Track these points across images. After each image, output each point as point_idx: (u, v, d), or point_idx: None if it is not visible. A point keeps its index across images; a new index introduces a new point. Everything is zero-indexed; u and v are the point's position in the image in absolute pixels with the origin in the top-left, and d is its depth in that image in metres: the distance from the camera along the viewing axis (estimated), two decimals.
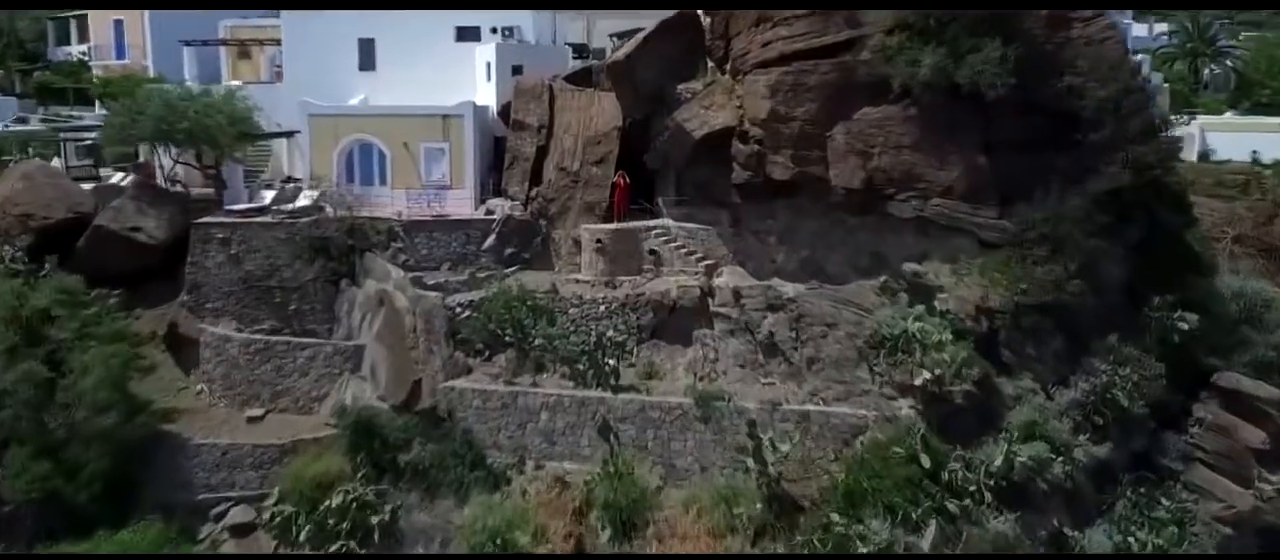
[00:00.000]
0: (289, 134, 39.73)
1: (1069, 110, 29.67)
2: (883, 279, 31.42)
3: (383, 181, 38.22)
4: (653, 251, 34.33)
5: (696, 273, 33.59)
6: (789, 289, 32.10)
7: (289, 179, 39.76)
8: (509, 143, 37.02)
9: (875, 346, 29.58)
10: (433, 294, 33.08)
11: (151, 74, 48.54)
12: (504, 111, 38.36)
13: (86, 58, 60.62)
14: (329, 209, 36.22)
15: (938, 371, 28.02)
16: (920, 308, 29.43)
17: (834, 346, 30.34)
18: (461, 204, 37.09)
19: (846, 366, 29.95)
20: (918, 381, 28.14)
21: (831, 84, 30.81)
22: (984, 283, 29.60)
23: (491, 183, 37.99)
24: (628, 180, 35.08)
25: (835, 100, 30.96)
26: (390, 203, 36.97)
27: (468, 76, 41.58)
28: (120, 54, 55.50)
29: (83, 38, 61.55)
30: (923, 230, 31.35)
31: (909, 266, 30.77)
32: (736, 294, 32.24)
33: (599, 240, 34.16)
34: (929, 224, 31.04)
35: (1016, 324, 29.19)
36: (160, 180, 38.73)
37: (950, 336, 28.62)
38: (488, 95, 40.50)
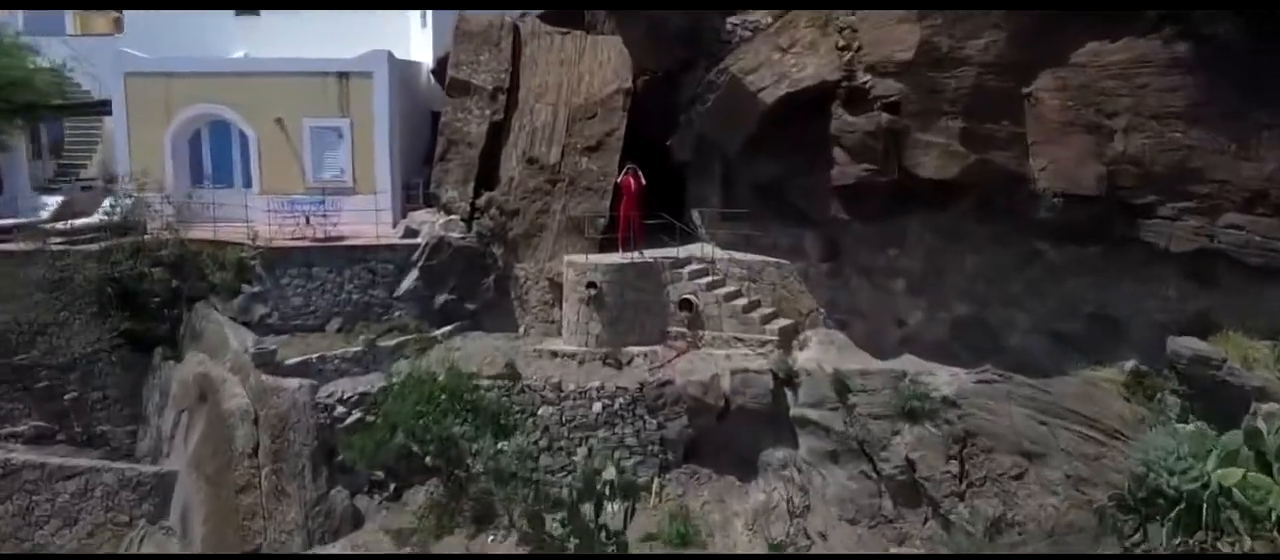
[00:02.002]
0: (96, 107, 25.24)
1: None
2: (1128, 366, 16.82)
3: (247, 182, 23.71)
4: (686, 302, 19.75)
5: (763, 340, 19.06)
6: (940, 377, 17.51)
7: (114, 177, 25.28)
8: (444, 118, 22.41)
9: (1133, 509, 14.89)
10: (294, 381, 18.54)
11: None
12: (443, 69, 23.71)
13: None
14: (154, 227, 21.93)
15: None
16: (1231, 437, 14.72)
17: (1042, 500, 15.71)
18: (370, 219, 22.49)
19: (1075, 544, 15.28)
20: None
21: None
22: None
23: (423, 183, 23.36)
24: (642, 179, 20.37)
25: (1039, 28, 16.35)
26: (246, 217, 22.34)
27: (397, 22, 27.08)
28: None
29: None
30: (1199, 270, 16.80)
31: (1183, 344, 16.13)
32: (839, 385, 17.72)
33: (593, 284, 19.56)
34: (1215, 259, 16.47)
35: None
36: None
37: None
38: (423, 47, 26.01)
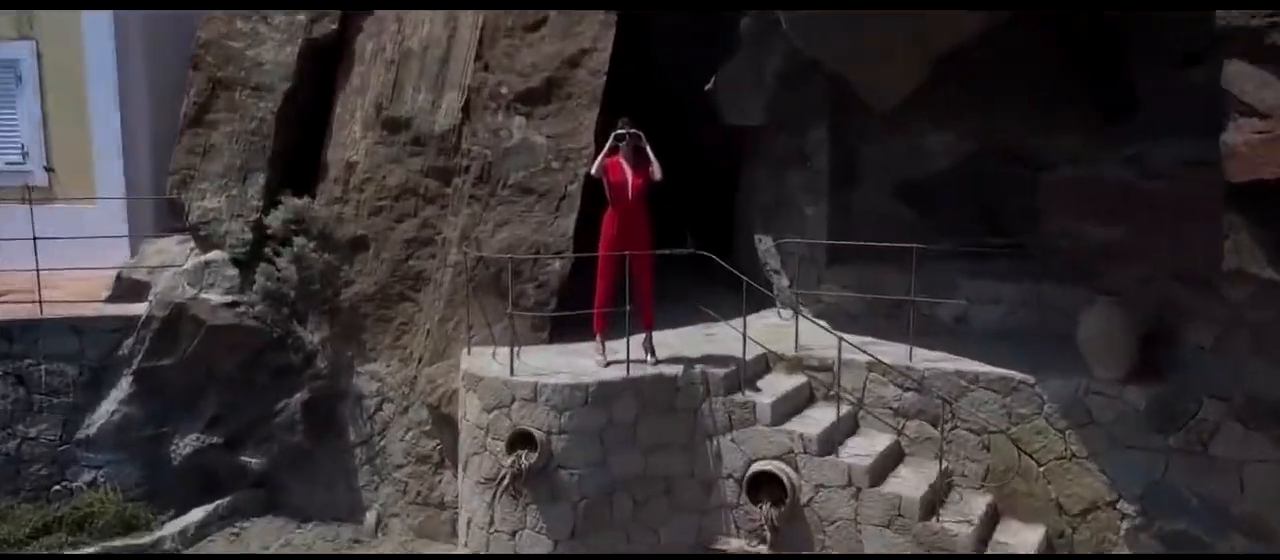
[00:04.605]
0: None
1: None
2: None
3: None
4: (764, 480, 7.61)
5: None
6: None
7: None
8: (201, 36, 10.15)
9: None
10: None
11: None
12: None
13: None
14: None
15: None
16: None
17: None
18: (66, 252, 10.33)
19: None
20: None
21: None
22: None
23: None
24: (653, 166, 7.76)
25: None
26: None
27: None
28: None
29: None
30: None
31: None
32: None
33: (527, 440, 7.43)
34: None
35: None
36: None
37: None
38: None
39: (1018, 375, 7.70)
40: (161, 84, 11.38)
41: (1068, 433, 7.54)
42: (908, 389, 8.03)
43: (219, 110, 9.69)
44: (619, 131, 7.71)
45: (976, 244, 8.80)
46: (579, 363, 8.01)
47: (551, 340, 8.65)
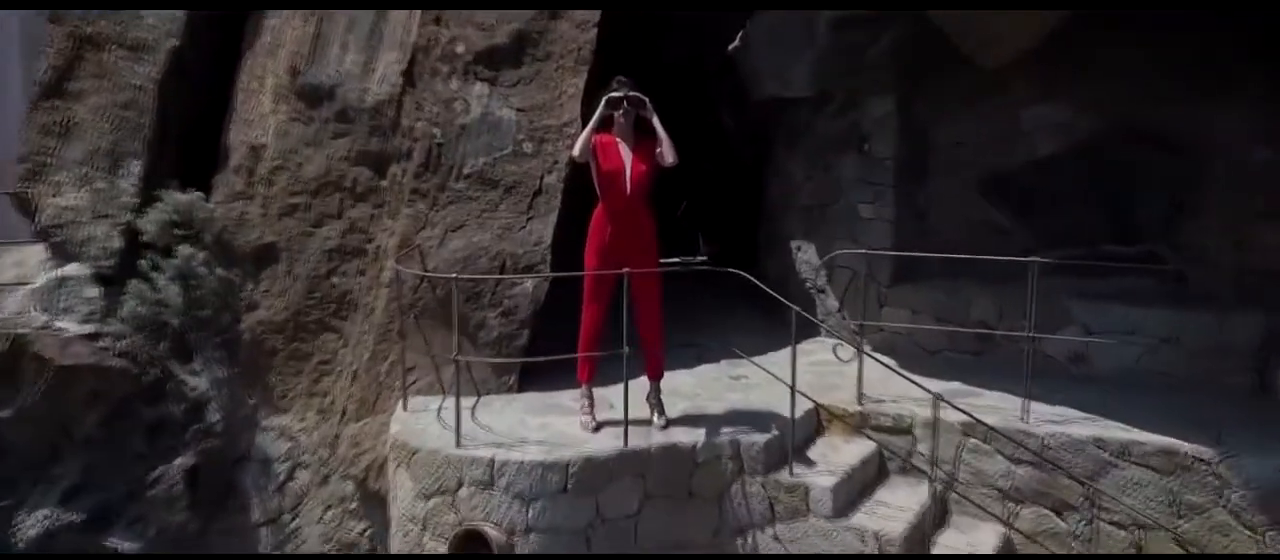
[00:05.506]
0: None
1: None
2: None
3: None
4: None
5: None
6: None
7: None
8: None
9: None
10: None
11: None
12: None
13: None
14: None
15: None
16: None
17: None
18: None
19: None
20: None
21: None
22: None
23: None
24: (665, 148, 5.36)
25: None
26: None
27: None
28: None
29: None
30: None
31: None
32: None
33: (479, 542, 5.08)
34: None
35: None
36: None
37: None
38: None
39: (1187, 446, 5.35)
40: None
41: (1266, 534, 5.20)
42: (1021, 462, 5.68)
43: (84, 77, 7.32)
44: (613, 95, 5.35)
45: (1098, 256, 6.48)
46: (558, 425, 5.67)
47: (521, 388, 6.31)
